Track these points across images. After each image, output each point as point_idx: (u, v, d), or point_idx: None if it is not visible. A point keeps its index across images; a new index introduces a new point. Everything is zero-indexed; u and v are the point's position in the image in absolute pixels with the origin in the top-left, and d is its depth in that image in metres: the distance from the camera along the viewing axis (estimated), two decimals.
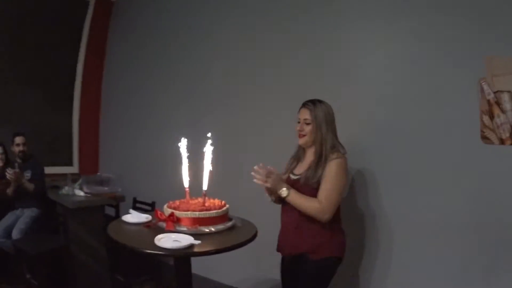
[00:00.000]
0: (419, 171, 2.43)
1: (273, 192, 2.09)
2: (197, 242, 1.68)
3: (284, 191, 2.03)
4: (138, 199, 3.88)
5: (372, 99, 2.67)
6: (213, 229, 1.89)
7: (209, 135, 2.06)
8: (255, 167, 2.05)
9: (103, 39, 5.54)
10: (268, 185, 2.02)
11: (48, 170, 4.76)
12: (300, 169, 2.17)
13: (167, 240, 1.69)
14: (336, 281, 2.78)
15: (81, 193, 3.67)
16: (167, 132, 3.58)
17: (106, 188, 3.91)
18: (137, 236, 1.89)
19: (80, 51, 5.38)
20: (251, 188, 2.23)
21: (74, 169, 5.41)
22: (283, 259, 2.30)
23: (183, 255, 1.66)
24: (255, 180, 2.05)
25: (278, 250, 2.27)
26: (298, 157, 2.25)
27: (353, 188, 2.73)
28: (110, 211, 3.96)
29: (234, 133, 3.49)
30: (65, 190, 3.74)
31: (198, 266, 3.63)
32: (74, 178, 4.03)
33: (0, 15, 4.64)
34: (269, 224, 2.26)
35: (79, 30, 5.33)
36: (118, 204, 3.97)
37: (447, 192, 2.32)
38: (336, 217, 2.10)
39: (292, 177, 2.17)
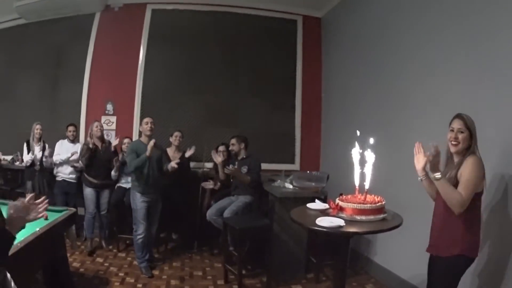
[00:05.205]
0: None
1: (434, 169, 2.31)
2: (343, 224, 2.20)
3: (438, 174, 2.25)
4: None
5: None
6: (363, 218, 2.35)
7: (358, 133, 2.50)
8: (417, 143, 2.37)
9: (317, 50, 6.36)
10: (423, 163, 2.31)
11: (272, 166, 5.87)
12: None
13: (324, 221, 2.27)
14: (481, 280, 2.79)
15: (290, 186, 4.46)
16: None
17: (313, 184, 4.49)
18: (308, 217, 2.51)
19: (297, 63, 6.34)
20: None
21: (295, 166, 6.30)
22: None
23: (329, 232, 2.19)
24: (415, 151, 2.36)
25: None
26: (448, 165, 2.43)
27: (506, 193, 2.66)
28: None
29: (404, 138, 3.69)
30: (277, 183, 4.62)
31: (384, 260, 4.06)
32: (287, 174, 4.86)
33: (230, 42, 6.15)
34: None
35: (293, 45, 6.34)
36: (326, 197, 4.39)
37: None
38: (474, 216, 2.24)
39: None
